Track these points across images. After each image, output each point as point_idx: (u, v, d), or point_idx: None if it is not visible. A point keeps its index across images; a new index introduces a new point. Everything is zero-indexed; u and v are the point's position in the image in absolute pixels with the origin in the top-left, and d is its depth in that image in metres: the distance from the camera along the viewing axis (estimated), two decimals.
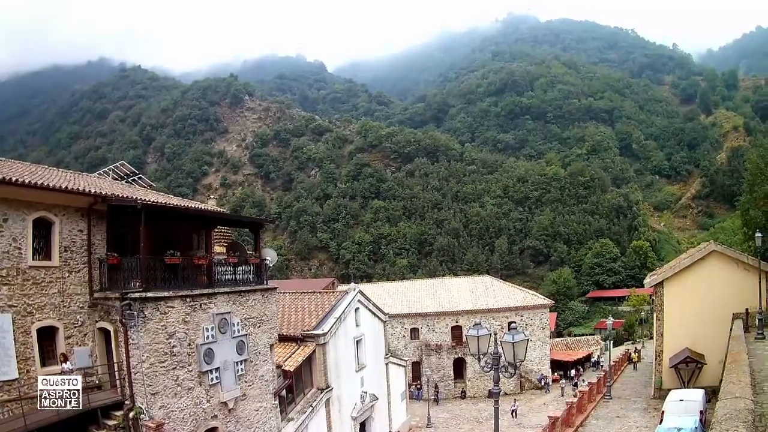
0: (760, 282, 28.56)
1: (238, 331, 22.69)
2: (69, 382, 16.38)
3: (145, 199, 20.56)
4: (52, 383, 16.29)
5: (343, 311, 32.38)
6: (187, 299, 20.25)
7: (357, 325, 34.39)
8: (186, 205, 27.93)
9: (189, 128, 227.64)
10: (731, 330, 26.90)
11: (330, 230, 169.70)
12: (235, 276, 23.54)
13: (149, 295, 18.75)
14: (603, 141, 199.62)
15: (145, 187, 30.66)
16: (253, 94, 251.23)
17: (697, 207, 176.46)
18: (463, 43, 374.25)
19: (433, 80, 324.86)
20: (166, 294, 19.43)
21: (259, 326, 24.22)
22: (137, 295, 18.47)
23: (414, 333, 60.10)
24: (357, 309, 34.63)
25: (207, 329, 20.92)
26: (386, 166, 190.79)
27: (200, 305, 20.81)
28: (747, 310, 28.67)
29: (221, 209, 35.58)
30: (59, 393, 16.20)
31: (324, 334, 29.52)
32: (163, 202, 23.99)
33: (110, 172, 31.73)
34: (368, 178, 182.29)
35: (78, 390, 16.36)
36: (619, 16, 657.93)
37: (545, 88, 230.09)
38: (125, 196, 21.68)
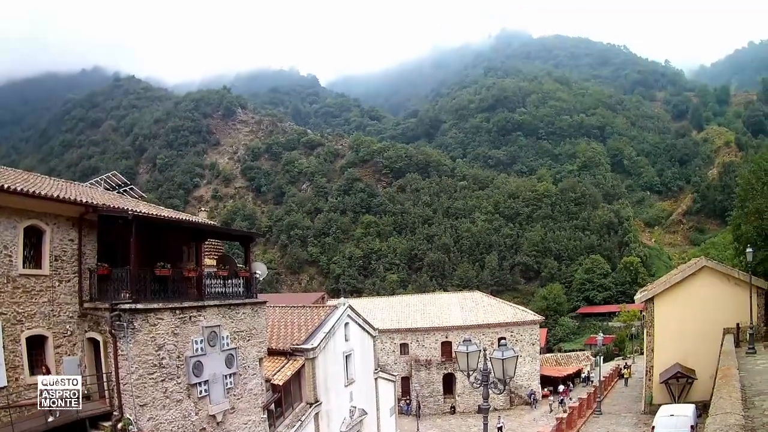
0: (750, 297, 28.77)
1: (228, 344, 22.52)
2: (69, 382, 16.24)
3: (136, 210, 20.45)
4: (52, 383, 16.14)
5: (333, 326, 32.19)
6: (177, 311, 20.09)
7: (346, 340, 34.21)
8: (177, 217, 27.80)
9: (181, 140, 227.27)
10: (722, 345, 26.97)
11: (320, 244, 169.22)
12: (225, 289, 23.39)
13: (139, 306, 18.59)
14: (594, 157, 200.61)
15: (136, 198, 30.54)
16: (245, 106, 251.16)
17: (688, 223, 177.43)
18: (456, 58, 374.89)
19: (425, 96, 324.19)
20: (155, 306, 19.26)
21: (249, 340, 24.07)
22: (127, 306, 18.33)
23: (403, 348, 59.95)
24: (347, 324, 34.46)
25: (196, 342, 20.76)
26: (377, 181, 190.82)
27: (190, 318, 20.65)
28: (738, 324, 28.81)
29: (212, 222, 35.48)
30: (60, 393, 16.04)
31: (313, 349, 29.34)
32: (154, 213, 23.93)
33: (102, 182, 31.62)
34: (359, 193, 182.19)
35: (78, 390, 16.23)
36: (612, 32, 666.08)
37: (537, 104, 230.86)
38: (116, 206, 21.57)
